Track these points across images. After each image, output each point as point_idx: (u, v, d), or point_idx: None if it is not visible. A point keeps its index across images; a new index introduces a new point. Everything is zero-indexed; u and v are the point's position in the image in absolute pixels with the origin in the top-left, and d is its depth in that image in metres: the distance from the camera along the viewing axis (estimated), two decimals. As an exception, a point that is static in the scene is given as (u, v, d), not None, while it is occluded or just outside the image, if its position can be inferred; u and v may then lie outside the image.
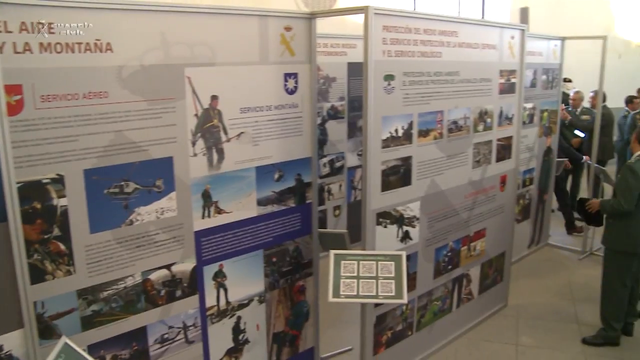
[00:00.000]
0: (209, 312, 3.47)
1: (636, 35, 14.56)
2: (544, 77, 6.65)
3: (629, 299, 4.87)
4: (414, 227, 4.19)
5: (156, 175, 3.05)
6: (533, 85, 6.44)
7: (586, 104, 8.84)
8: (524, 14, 11.84)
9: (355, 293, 3.43)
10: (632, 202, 4.50)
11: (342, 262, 3.54)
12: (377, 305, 3.99)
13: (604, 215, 4.95)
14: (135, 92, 2.87)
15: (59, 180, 2.69)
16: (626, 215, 4.59)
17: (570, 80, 10.21)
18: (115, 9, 2.74)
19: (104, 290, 2.94)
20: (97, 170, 2.81)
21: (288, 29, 3.56)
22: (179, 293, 3.28)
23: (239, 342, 3.72)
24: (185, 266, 3.29)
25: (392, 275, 3.50)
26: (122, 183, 2.92)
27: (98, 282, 2.91)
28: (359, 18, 3.52)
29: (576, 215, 7.49)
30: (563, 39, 6.92)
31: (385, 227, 3.94)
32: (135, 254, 3.03)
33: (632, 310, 4.97)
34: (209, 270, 3.44)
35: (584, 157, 7.80)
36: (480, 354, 4.75)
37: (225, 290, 3.55)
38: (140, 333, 3.14)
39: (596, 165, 6.98)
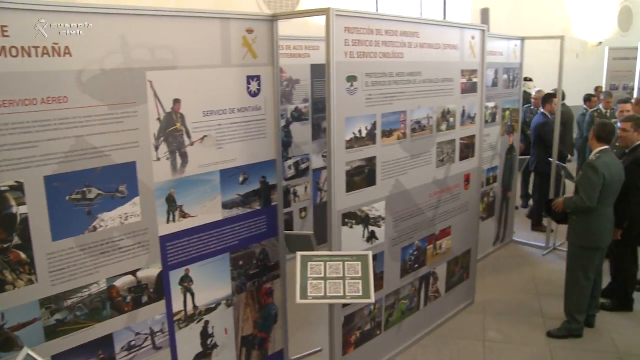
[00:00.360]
0: (176, 318, 3.44)
1: (592, 36, 14.91)
2: (505, 76, 6.76)
3: (592, 292, 4.97)
4: (379, 227, 4.21)
5: (119, 181, 3.01)
6: (495, 84, 6.54)
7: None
8: (485, 15, 12.02)
9: (322, 294, 3.43)
10: (594, 199, 4.59)
11: (309, 263, 3.54)
12: (345, 305, 4.00)
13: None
14: (96, 97, 2.83)
15: (18, 188, 2.63)
16: (588, 212, 4.67)
17: (531, 80, 10.41)
18: (74, 12, 2.70)
19: (68, 299, 2.89)
20: (58, 177, 2.76)
21: (250, 31, 3.55)
22: (145, 299, 3.24)
23: (208, 347, 3.69)
24: (151, 272, 3.26)
25: (359, 275, 3.51)
26: (85, 189, 2.88)
27: (62, 290, 2.86)
28: (322, 20, 3.53)
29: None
30: (523, 39, 7.03)
31: (351, 227, 3.96)
32: (100, 260, 2.99)
33: (595, 302, 5.08)
34: (175, 275, 3.41)
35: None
36: (449, 351, 4.80)
37: (192, 294, 3.52)
38: (107, 341, 3.09)
39: (557, 162, 7.12)
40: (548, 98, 7.97)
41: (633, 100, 8.18)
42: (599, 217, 4.71)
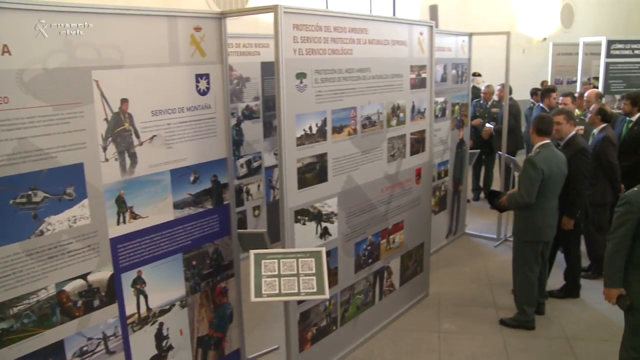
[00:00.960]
0: (129, 320, 3.39)
1: (537, 32, 15.28)
2: (454, 71, 6.87)
3: (539, 282, 5.09)
4: (332, 222, 4.23)
5: (66, 183, 2.94)
6: (444, 79, 6.64)
7: (494, 97, 9.23)
8: (433, 11, 12.17)
9: (277, 291, 3.43)
10: (532, 194, 4.69)
11: (263, 261, 3.53)
12: (300, 302, 4.01)
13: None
14: (39, 97, 2.76)
15: (-41, 192, 2.56)
16: (529, 207, 4.76)
17: (479, 75, 10.61)
18: (12, 9, 2.62)
19: (15, 306, 2.81)
20: (1, 180, 2.68)
21: (198, 29, 3.52)
22: (97, 303, 3.18)
23: (163, 349, 3.65)
24: (102, 274, 3.20)
25: (313, 271, 3.52)
26: (30, 192, 2.80)
27: (7, 297, 2.77)
28: (271, 17, 3.52)
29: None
30: (470, 34, 7.16)
31: (303, 224, 3.97)
32: (48, 265, 2.92)
33: (542, 291, 5.23)
34: (127, 278, 3.35)
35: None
36: (405, 344, 4.86)
37: (145, 296, 3.47)
38: (57, 348, 3.02)
39: (507, 155, 7.28)
40: (546, 93, 8.26)
41: (576, 94, 8.42)
42: (540, 211, 4.80)
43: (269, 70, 6.23)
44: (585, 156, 5.11)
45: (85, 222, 3.06)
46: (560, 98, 7.48)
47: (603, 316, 5.26)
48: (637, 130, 6.41)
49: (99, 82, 3.00)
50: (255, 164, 6.57)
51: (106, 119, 3.08)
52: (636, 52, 9.20)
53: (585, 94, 7.58)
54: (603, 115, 5.83)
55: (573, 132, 5.25)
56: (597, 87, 9.52)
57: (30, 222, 2.82)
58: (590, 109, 6.09)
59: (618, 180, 5.69)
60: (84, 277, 3.09)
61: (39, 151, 2.80)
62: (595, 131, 5.97)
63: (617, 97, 9.01)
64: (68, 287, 3.02)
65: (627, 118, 6.57)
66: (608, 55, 9.14)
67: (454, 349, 4.78)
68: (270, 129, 6.60)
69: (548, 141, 4.82)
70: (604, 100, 8.99)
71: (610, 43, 9.18)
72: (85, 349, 3.15)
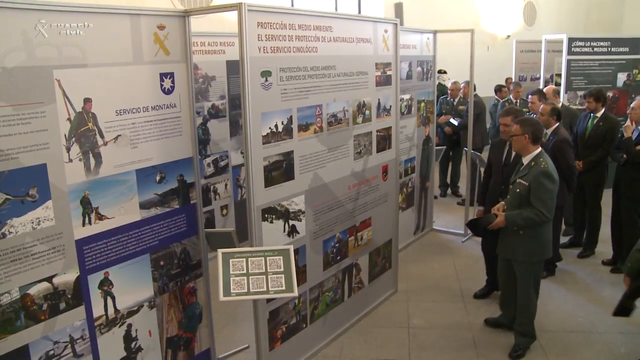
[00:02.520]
0: (97, 323, 3.35)
1: (501, 29, 15.51)
2: (419, 69, 6.92)
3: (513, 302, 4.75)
4: (300, 220, 4.24)
5: (29, 184, 2.89)
6: (409, 77, 6.69)
7: (461, 93, 9.35)
8: (398, 9, 12.26)
9: (246, 290, 3.42)
10: (552, 210, 4.30)
11: (231, 260, 3.52)
12: (269, 300, 4.01)
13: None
14: (-2, 97, 2.71)
15: None
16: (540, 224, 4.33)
17: (445, 72, 10.73)
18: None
19: (-23, 310, 2.77)
20: (-39, 182, 2.64)
21: (161, 27, 3.50)
22: (63, 306, 3.14)
23: (132, 351, 3.62)
24: (68, 277, 3.15)
25: (282, 269, 3.53)
26: (-9, 194, 2.76)
27: (-31, 302, 2.73)
28: (235, 15, 3.51)
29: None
30: (435, 32, 7.22)
31: (271, 222, 3.97)
32: (11, 268, 2.87)
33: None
34: (94, 279, 3.31)
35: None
36: (374, 340, 4.89)
37: (113, 298, 3.44)
38: (22, 352, 2.97)
39: (472, 151, 7.37)
40: (515, 86, 9.07)
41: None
42: (548, 226, 4.41)
43: (234, 68, 6.20)
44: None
45: (49, 223, 3.01)
46: (529, 96, 7.55)
47: (568, 308, 5.39)
48: (603, 126, 6.49)
49: (60, 82, 2.96)
50: (222, 163, 6.53)
51: (69, 119, 3.04)
52: (596, 49, 9.41)
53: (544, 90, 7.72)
54: (558, 114, 5.87)
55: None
56: (559, 84, 9.71)
57: (-8, 225, 2.78)
58: (540, 109, 6.05)
59: (575, 181, 5.71)
60: (49, 279, 3.05)
61: (0, 152, 2.75)
62: (548, 131, 5.81)
63: (580, 93, 9.19)
64: (32, 291, 2.97)
65: (592, 114, 6.64)
66: (569, 53, 9.31)
67: (424, 344, 4.82)
68: (236, 128, 6.57)
69: (541, 149, 4.42)
70: (567, 97, 9.21)
71: (571, 40, 9.36)
72: (51, 352, 3.11)
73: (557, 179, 4.27)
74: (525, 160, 4.42)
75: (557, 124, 5.86)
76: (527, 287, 4.51)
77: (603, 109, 6.60)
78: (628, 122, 6.03)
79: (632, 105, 6.15)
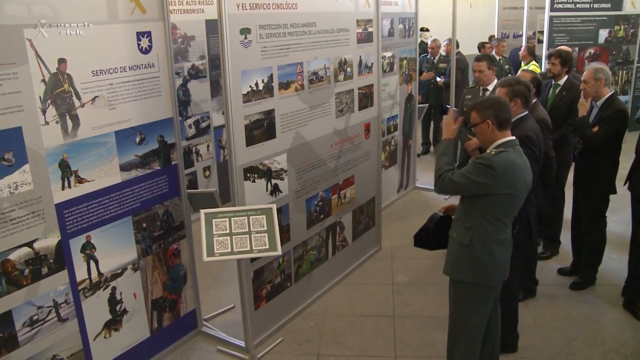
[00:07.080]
0: (80, 287, 3.35)
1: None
2: (401, 26, 6.84)
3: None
4: (282, 179, 4.22)
5: (4, 148, 2.84)
6: (391, 34, 6.61)
7: (441, 51, 9.28)
8: (379, -35, 12.07)
9: (229, 250, 3.42)
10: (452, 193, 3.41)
11: (214, 220, 3.51)
12: (253, 260, 4.01)
13: None
14: (-33, 59, 2.64)
15: None
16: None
17: (427, 30, 10.63)
18: None
19: (-43, 276, 2.74)
20: None
21: (136, -16, 3.41)
22: (45, 270, 3.12)
23: (117, 313, 3.62)
24: (49, 241, 3.13)
25: (265, 228, 3.52)
26: (-35, 159, 2.71)
27: (-52, 267, 2.70)
28: (212, -29, 3.43)
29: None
30: (415, -12, 7.13)
31: (253, 181, 3.94)
32: (-11, 234, 2.84)
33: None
34: (76, 243, 3.29)
35: None
36: (359, 297, 4.93)
37: (96, 261, 3.43)
38: (5, 318, 2.97)
39: (454, 109, 7.33)
40: (498, 41, 9.09)
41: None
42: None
43: (214, 28, 6.08)
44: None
45: (27, 188, 2.97)
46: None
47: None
48: (567, 96, 5.30)
49: (32, 42, 2.88)
50: (203, 124, 6.47)
51: (43, 80, 2.97)
52: (578, 5, 9.34)
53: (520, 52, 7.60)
54: (537, 86, 4.55)
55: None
56: (541, 41, 9.66)
57: (-32, 190, 2.73)
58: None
59: (551, 174, 4.38)
60: (29, 244, 3.02)
61: (-27, 115, 2.69)
62: None
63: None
64: (13, 256, 2.95)
65: (553, 81, 5.51)
66: (552, 9, 9.23)
67: (408, 299, 4.87)
68: (217, 88, 6.49)
69: (513, 138, 3.18)
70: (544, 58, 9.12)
71: (553, -3, 9.29)
72: (35, 317, 3.10)
73: (499, 179, 3.02)
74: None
75: (534, 100, 4.38)
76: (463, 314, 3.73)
77: (567, 76, 5.45)
78: (582, 99, 4.73)
79: (583, 78, 4.74)
